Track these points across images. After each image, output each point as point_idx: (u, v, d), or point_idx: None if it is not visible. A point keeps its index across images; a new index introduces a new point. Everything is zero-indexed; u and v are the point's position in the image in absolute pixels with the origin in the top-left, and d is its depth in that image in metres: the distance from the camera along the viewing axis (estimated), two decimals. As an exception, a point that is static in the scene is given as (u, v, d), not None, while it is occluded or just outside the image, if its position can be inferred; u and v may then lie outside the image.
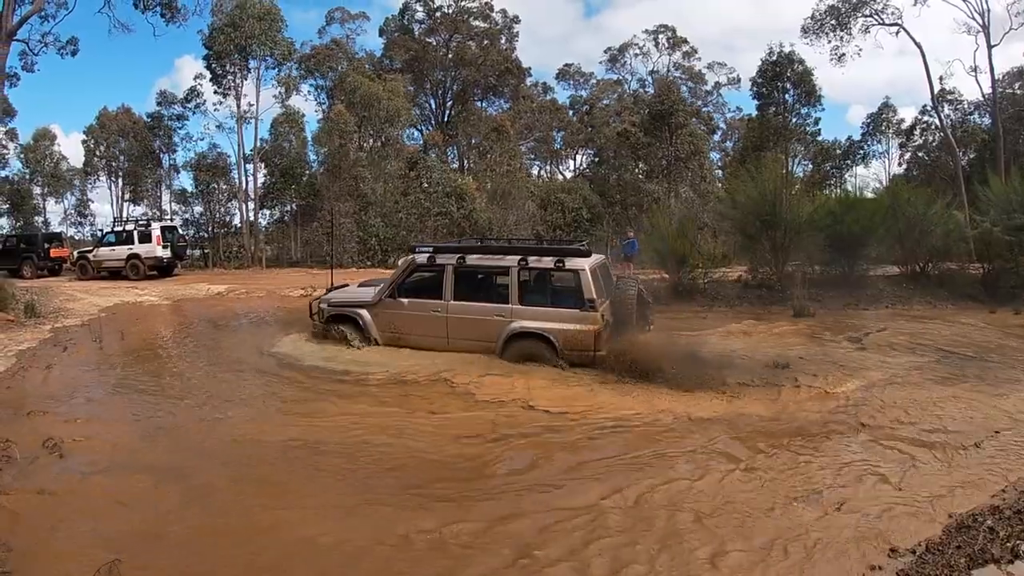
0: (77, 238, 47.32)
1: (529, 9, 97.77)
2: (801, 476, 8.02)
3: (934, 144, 47.86)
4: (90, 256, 32.41)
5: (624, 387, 11.78)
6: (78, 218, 49.91)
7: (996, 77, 39.53)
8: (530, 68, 56.58)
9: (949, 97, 45.57)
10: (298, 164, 42.93)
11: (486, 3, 52.60)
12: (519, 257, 13.34)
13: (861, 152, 50.37)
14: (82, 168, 48.90)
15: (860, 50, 41.22)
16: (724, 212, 26.81)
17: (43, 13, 32.33)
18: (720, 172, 54.43)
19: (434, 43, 53.40)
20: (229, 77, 42.09)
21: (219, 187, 45.31)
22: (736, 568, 6.08)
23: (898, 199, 23.26)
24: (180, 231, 37.03)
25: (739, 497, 7.43)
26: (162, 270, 32.15)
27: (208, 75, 42.60)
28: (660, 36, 59.05)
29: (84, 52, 36.24)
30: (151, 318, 20.22)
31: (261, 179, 44.04)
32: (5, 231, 43.43)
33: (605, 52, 60.99)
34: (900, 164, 50.24)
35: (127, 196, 48.44)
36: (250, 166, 43.57)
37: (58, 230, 43.72)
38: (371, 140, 44.47)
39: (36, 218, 47.84)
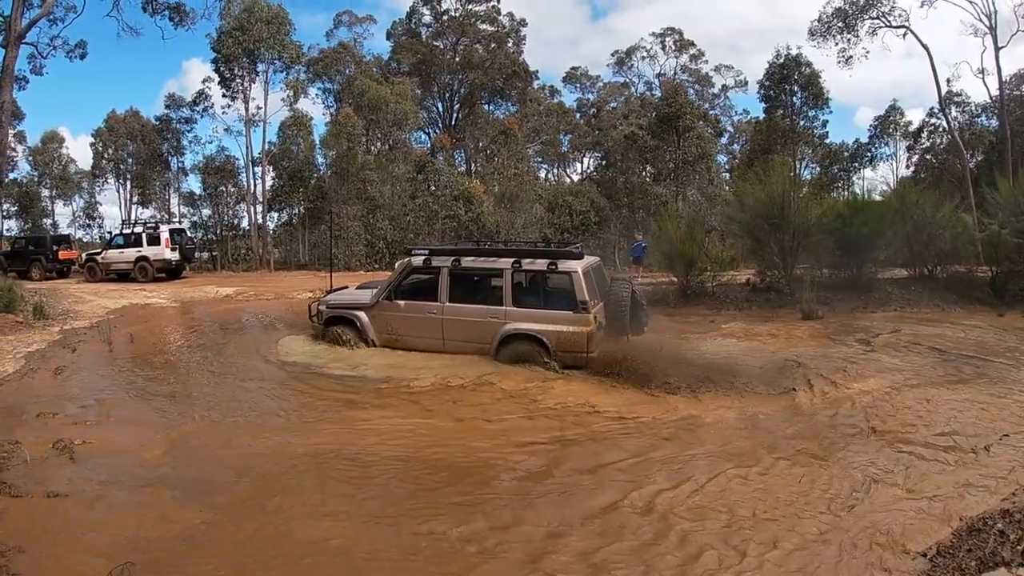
0: (85, 240, 47.43)
1: (536, 11, 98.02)
2: (810, 479, 8.01)
3: (942, 146, 47.67)
4: (99, 258, 32.60)
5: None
6: (86, 220, 50.10)
7: (1003, 79, 39.30)
8: (537, 71, 56.84)
9: (956, 99, 45.39)
10: (306, 167, 43.00)
11: (493, 6, 52.69)
12: (513, 259, 13.51)
13: (869, 155, 50.11)
14: (90, 171, 49.10)
15: (867, 52, 41.03)
16: (732, 215, 26.70)
17: (52, 16, 32.43)
18: (727, 175, 54.51)
19: (441, 46, 53.53)
20: (237, 80, 42.22)
21: (227, 190, 45.40)
22: (741, 572, 6.12)
23: (906, 202, 23.11)
24: (188, 234, 37.24)
25: (747, 501, 7.46)
26: (170, 272, 32.36)
27: (216, 78, 42.81)
28: (667, 39, 59.35)
29: (92, 55, 36.33)
30: (160, 320, 20.27)
31: (269, 182, 44.17)
32: (13, 233, 43.62)
33: (612, 55, 61.34)
34: (908, 167, 50.08)
35: (135, 199, 48.58)
36: (258, 169, 43.75)
37: (66, 232, 44.04)
38: (379, 143, 44.56)
39: (44, 220, 48.03)
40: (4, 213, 46.17)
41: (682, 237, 22.50)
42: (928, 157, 48.94)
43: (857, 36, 40.66)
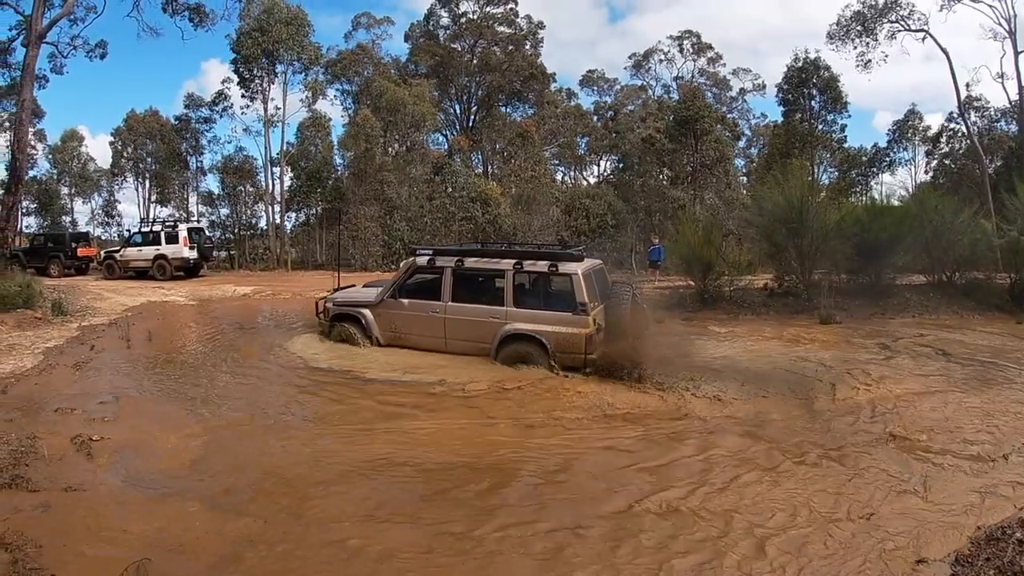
0: (104, 238, 47.77)
1: (553, 14, 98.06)
2: (829, 485, 7.99)
3: (960, 152, 47.39)
4: (117, 256, 32.89)
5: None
6: (105, 218, 50.64)
7: (1023, 83, 39.10)
8: (555, 73, 56.79)
9: (976, 104, 45.17)
10: (324, 168, 43.12)
11: (511, 9, 52.76)
12: (514, 261, 13.61)
13: (887, 159, 49.94)
14: (109, 169, 49.53)
15: (886, 56, 40.90)
16: (750, 219, 26.61)
17: (72, 16, 32.74)
18: (744, 179, 54.33)
19: (459, 48, 53.59)
20: (256, 81, 42.42)
21: (245, 190, 45.64)
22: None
23: (925, 207, 22.97)
24: (207, 233, 37.45)
25: (766, 505, 7.46)
26: (188, 271, 32.56)
27: (235, 79, 43.06)
28: (685, 42, 59.21)
29: (111, 55, 36.72)
30: (179, 318, 20.38)
31: (287, 182, 44.42)
32: (32, 230, 43.89)
33: (629, 58, 61.18)
34: (927, 172, 49.76)
35: (154, 197, 48.90)
36: (276, 169, 43.94)
37: (85, 230, 44.31)
38: (396, 145, 44.63)
39: (64, 218, 48.52)
40: (24, 210, 46.43)
41: (700, 241, 22.37)
42: (947, 162, 48.66)
43: (876, 40, 40.56)
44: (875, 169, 49.78)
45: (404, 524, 6.98)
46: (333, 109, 59.83)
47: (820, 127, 44.97)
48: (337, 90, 49.60)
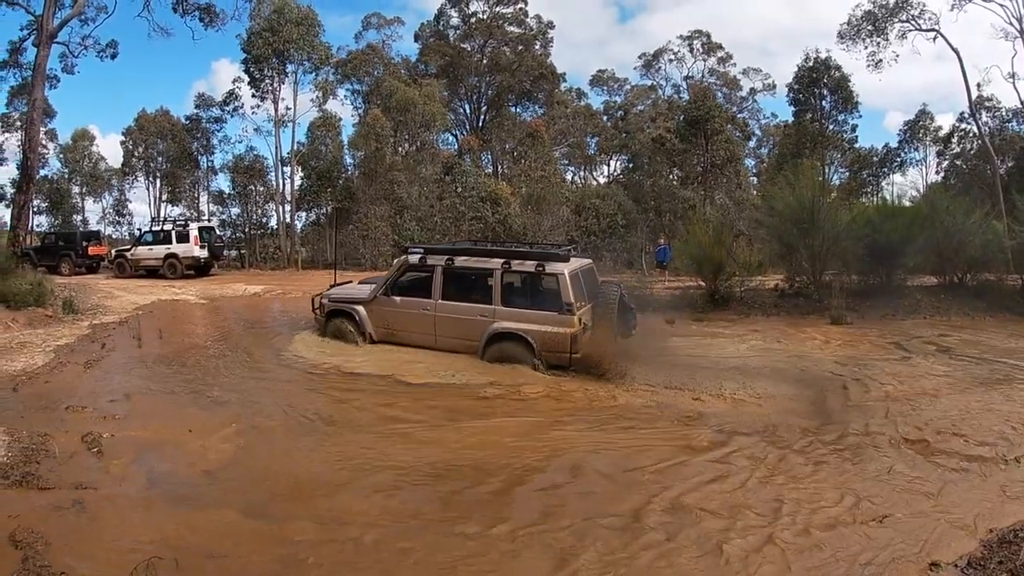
0: (115, 237, 47.86)
1: (563, 14, 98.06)
2: (841, 487, 7.95)
3: (972, 152, 47.14)
4: (128, 255, 32.96)
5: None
6: (116, 217, 50.65)
7: (1035, 84, 38.86)
8: (564, 73, 56.72)
9: (987, 104, 44.87)
10: (334, 168, 43.13)
11: (520, 8, 52.63)
12: (503, 260, 13.78)
13: (898, 160, 49.70)
14: (120, 168, 49.60)
15: (897, 56, 40.63)
16: (761, 219, 26.59)
17: (83, 16, 32.85)
18: (754, 179, 54.20)
19: (469, 48, 53.58)
20: (267, 81, 42.46)
21: (256, 189, 45.66)
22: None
23: (936, 208, 22.85)
24: (218, 232, 37.52)
25: (776, 506, 7.45)
26: (199, 270, 32.66)
27: (246, 79, 43.09)
28: (695, 42, 58.92)
29: (121, 55, 36.70)
30: (190, 317, 20.41)
31: (298, 182, 44.42)
32: (43, 229, 44.01)
33: (639, 58, 60.92)
34: (938, 172, 49.49)
35: (164, 197, 49.02)
36: (287, 169, 44.00)
37: (96, 229, 44.66)
38: (406, 144, 44.66)
39: (75, 217, 48.60)
40: (35, 209, 46.50)
41: (710, 241, 22.34)
42: (958, 163, 48.42)
43: (887, 39, 40.20)
44: (886, 169, 49.42)
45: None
46: (343, 109, 59.73)
47: (831, 127, 44.79)
48: (347, 90, 49.71)
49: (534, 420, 10.48)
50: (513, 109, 55.51)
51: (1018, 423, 10.19)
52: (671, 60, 59.62)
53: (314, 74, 44.18)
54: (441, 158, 45.39)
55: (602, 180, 58.55)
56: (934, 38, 39.25)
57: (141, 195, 55.73)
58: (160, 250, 32.07)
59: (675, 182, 48.32)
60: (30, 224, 35.90)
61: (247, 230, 45.58)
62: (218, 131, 47.30)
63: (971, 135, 46.53)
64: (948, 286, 22.82)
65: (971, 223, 22.39)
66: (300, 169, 44.09)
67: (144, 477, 8.03)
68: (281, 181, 44.46)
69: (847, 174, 48.41)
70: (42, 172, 46.25)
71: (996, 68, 56.70)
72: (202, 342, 16.22)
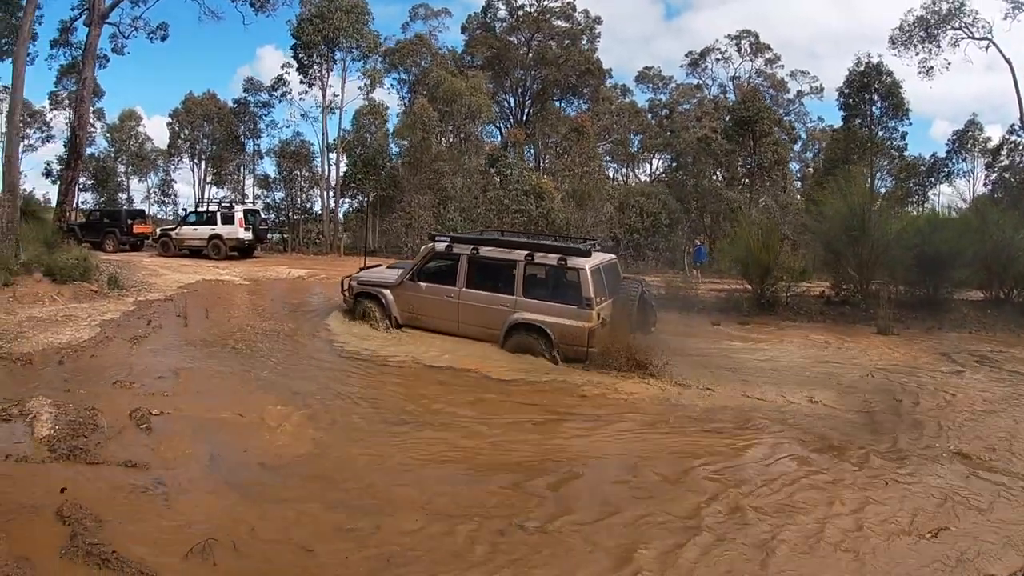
0: (160, 217, 48.27)
1: (609, 9, 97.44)
2: (895, 499, 7.82)
3: (1021, 165, 46.37)
4: (172, 234, 33.07)
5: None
6: (162, 197, 51.34)
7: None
8: (611, 69, 56.54)
9: (1040, 117, 44.12)
10: (379, 156, 43.11)
11: (568, 3, 52.39)
12: (526, 252, 14.11)
13: (945, 170, 48.96)
14: (166, 149, 50.20)
15: (949, 64, 40.06)
16: (810, 225, 26.39)
17: (134, -2, 33.03)
18: (799, 183, 53.64)
19: (515, 41, 53.42)
20: (315, 67, 42.50)
21: (301, 174, 45.79)
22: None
23: (987, 221, 22.42)
24: (262, 215, 37.70)
25: (828, 514, 7.39)
26: (242, 251, 32.64)
27: (295, 64, 43.08)
28: (743, 41, 58.22)
29: (168, 38, 36.82)
30: (235, 297, 20.36)
31: (343, 168, 44.52)
32: (88, 206, 44.40)
33: (686, 56, 60.19)
34: (986, 185, 48.62)
35: (209, 179, 49.45)
36: (333, 155, 44.05)
37: (141, 207, 45.11)
38: (450, 135, 44.60)
39: (120, 195, 49.23)
40: (81, 186, 46.92)
41: (758, 245, 22.13)
42: (1007, 176, 47.57)
43: (939, 47, 39.76)
44: (932, 179, 48.68)
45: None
46: (389, 98, 59.85)
47: (880, 133, 44.13)
48: (393, 79, 49.79)
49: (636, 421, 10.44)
50: (557, 104, 55.29)
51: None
52: (718, 59, 59.04)
53: (362, 62, 44.13)
54: (487, 150, 45.28)
55: (644, 178, 58.25)
56: (987, 47, 38.91)
57: (185, 176, 56.32)
58: (205, 230, 32.12)
59: (719, 183, 47.87)
60: (75, 201, 36.16)
61: (290, 214, 45.75)
62: (265, 115, 47.62)
63: (1021, 148, 45.70)
64: (994, 301, 22.47)
65: (1021, 238, 21.96)
66: (345, 156, 44.15)
67: (196, 458, 7.90)
68: (326, 167, 44.58)
69: (892, 182, 47.71)
70: (89, 150, 46.74)
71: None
72: (248, 323, 16.08)
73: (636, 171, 60.18)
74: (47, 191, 47.06)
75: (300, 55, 42.26)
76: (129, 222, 35.38)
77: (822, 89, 58.34)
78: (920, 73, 40.48)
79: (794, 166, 55.62)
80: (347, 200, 46.41)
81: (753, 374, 13.57)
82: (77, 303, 16.72)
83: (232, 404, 9.76)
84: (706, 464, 8.68)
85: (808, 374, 13.86)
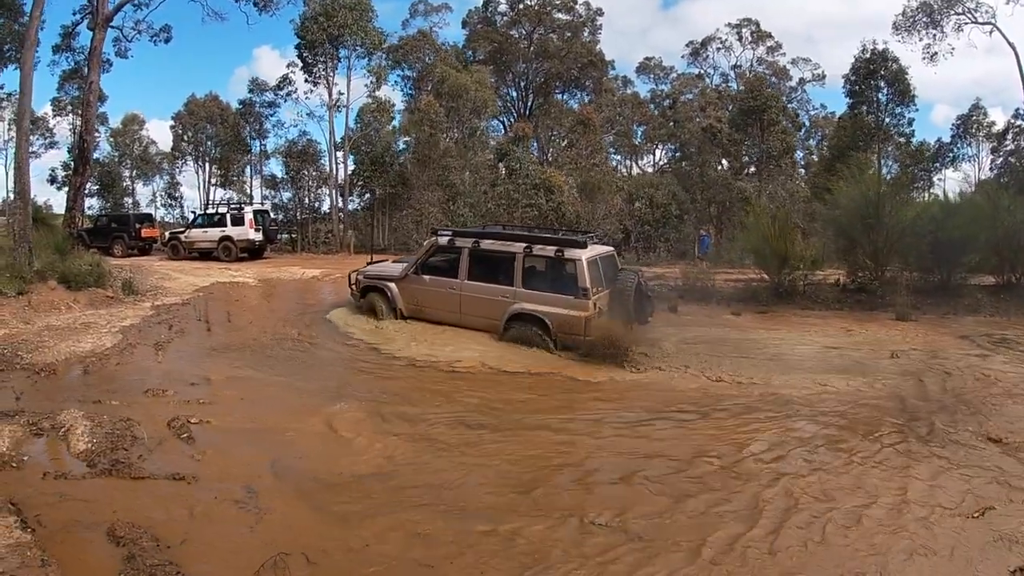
0: (168, 220, 48.18)
1: (606, 1, 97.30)
2: (935, 481, 7.90)
3: (1027, 149, 46.14)
4: (182, 237, 33.01)
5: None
6: (169, 200, 51.17)
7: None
8: (613, 61, 56.32)
9: (1044, 100, 43.97)
10: (387, 153, 42.94)
11: (569, -5, 52.16)
12: (524, 245, 14.59)
13: (951, 155, 48.75)
14: (170, 152, 50.15)
15: (953, 49, 39.87)
16: (822, 213, 26.39)
17: (136, 1, 32.86)
18: (803, 171, 53.46)
19: (516, 35, 53.32)
20: (320, 66, 42.29)
21: (308, 173, 45.63)
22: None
23: (998, 206, 22.47)
24: (272, 215, 37.58)
25: (865, 495, 7.53)
26: (253, 253, 32.57)
27: (299, 64, 42.82)
28: (743, 30, 58.05)
29: (151, 44, 36.65)
30: (254, 299, 20.20)
31: (351, 167, 44.33)
32: (94, 211, 44.30)
33: (687, 46, 60.05)
34: (992, 169, 48.43)
35: (213, 180, 49.38)
36: (340, 154, 43.84)
37: (148, 211, 44.98)
38: (456, 131, 44.44)
39: (126, 199, 49.05)
40: (87, 192, 46.79)
41: (774, 234, 22.12)
42: (1012, 160, 47.35)
43: (943, 32, 39.53)
44: (938, 165, 48.47)
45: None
46: (392, 95, 59.77)
47: (887, 120, 43.90)
48: (397, 76, 49.68)
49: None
50: (560, 97, 55.18)
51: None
52: (719, 48, 58.92)
53: (367, 60, 43.86)
54: (495, 144, 45.22)
55: (648, 169, 58.08)
56: (990, 32, 38.61)
57: (190, 179, 56.31)
58: (215, 233, 32.06)
59: (727, 172, 47.72)
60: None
61: (298, 214, 45.61)
62: (271, 116, 47.32)
63: (1026, 131, 45.51)
64: (1006, 286, 22.56)
65: (1031, 222, 21.93)
66: (352, 154, 43.96)
67: (249, 468, 7.64)
68: (334, 166, 44.39)
69: (896, 168, 47.51)
70: (94, 155, 46.68)
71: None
72: (272, 326, 15.96)
73: (639, 162, 60.05)
74: (48, 197, 47.38)
75: (304, 54, 41.99)
76: (137, 226, 35.31)
77: (823, 76, 58.40)
78: (924, 59, 40.20)
79: (798, 154, 55.52)
80: (355, 198, 46.19)
81: (786, 362, 13.76)
82: (94, 310, 16.59)
83: (274, 411, 9.60)
84: (755, 453, 8.71)
85: (837, 361, 13.98)
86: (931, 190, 44.24)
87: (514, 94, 55.79)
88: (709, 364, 13.36)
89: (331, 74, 42.41)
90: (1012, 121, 46.42)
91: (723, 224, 42.56)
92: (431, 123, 40.15)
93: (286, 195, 46.40)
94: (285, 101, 45.59)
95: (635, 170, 57.50)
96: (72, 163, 36.93)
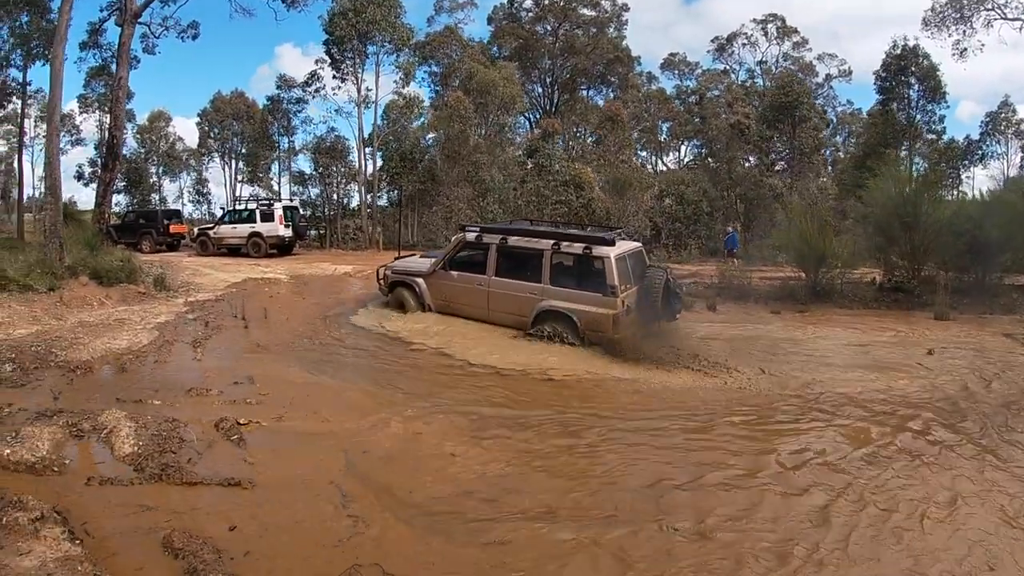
0: (196, 216, 48.38)
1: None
2: (990, 480, 7.92)
3: (1057, 146, 45.67)
4: (211, 233, 33.07)
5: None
6: (197, 197, 51.55)
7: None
8: (639, 57, 56.17)
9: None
10: (416, 149, 42.78)
11: (593, -10, 51.93)
12: (553, 242, 14.52)
13: (979, 152, 48.29)
14: (196, 149, 50.46)
15: (983, 45, 39.48)
16: (855, 210, 26.19)
17: (164, -3, 32.94)
18: (830, 168, 53.09)
19: (541, 31, 53.36)
20: (347, 62, 42.14)
21: (337, 170, 45.59)
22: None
23: (1032, 204, 22.12)
24: (301, 211, 37.63)
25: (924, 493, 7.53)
26: (282, 249, 32.56)
27: (328, 60, 42.64)
28: (769, 25, 57.84)
29: (189, 39, 36.67)
30: (288, 296, 19.81)
31: (379, 163, 44.24)
32: (121, 207, 44.46)
33: (712, 41, 59.99)
34: (1022, 167, 47.99)
35: (240, 177, 49.70)
36: (369, 150, 43.72)
37: (176, 207, 45.17)
38: (483, 128, 44.25)
39: (153, 196, 49.29)
40: (115, 188, 47.08)
41: (813, 232, 21.92)
42: (1044, 157, 46.89)
43: (972, 28, 39.17)
44: (966, 162, 48.01)
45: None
46: (419, 91, 59.82)
47: (918, 117, 43.44)
48: (424, 72, 49.54)
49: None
50: (585, 93, 55.09)
51: None
52: (744, 44, 58.70)
53: (395, 55, 43.62)
54: (525, 141, 45.19)
55: (672, 165, 57.86)
56: (1020, 28, 38.24)
57: (216, 176, 56.34)
58: (244, 229, 32.08)
59: (754, 169, 47.38)
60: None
61: (326, 210, 45.51)
62: (299, 112, 47.15)
63: (1057, 128, 45.06)
64: (1042, 285, 22.33)
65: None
66: (381, 150, 43.84)
67: (304, 473, 7.29)
68: (363, 162, 44.23)
69: (925, 165, 47.06)
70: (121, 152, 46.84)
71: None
72: (311, 322, 15.80)
73: (664, 158, 59.76)
74: (73, 194, 47.40)
75: (332, 50, 41.89)
76: (165, 222, 35.50)
77: (850, 72, 58.05)
78: (954, 55, 39.92)
79: (825, 151, 55.17)
80: (383, 194, 46.07)
81: (835, 362, 13.69)
82: (127, 306, 16.37)
83: (328, 412, 9.26)
84: (816, 456, 8.56)
85: (886, 360, 13.93)
86: (959, 188, 43.93)
87: (539, 90, 55.89)
88: (773, 364, 13.23)
89: (359, 70, 42.26)
90: (1044, 118, 45.97)
91: (751, 221, 42.25)
92: (461, 119, 39.98)
93: (314, 191, 46.46)
94: (313, 98, 45.47)
95: (660, 166, 57.28)
96: (100, 159, 37.03)
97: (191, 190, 51.53)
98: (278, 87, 46.53)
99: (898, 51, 41.87)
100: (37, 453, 7.35)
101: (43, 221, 20.34)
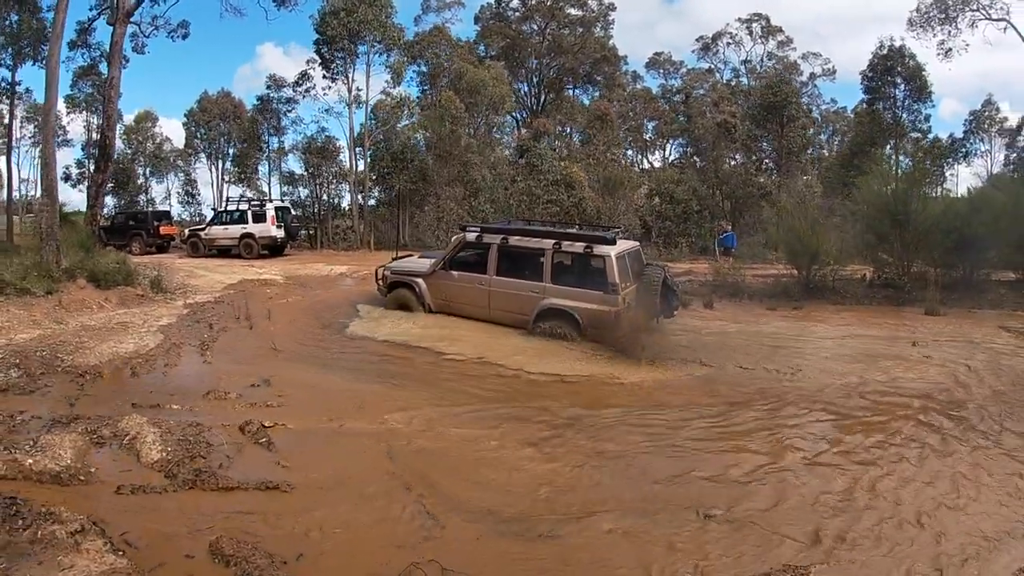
0: (184, 218, 48.14)
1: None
2: (998, 471, 8.05)
3: (1041, 144, 46.11)
4: (202, 234, 32.91)
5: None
6: (186, 198, 51.22)
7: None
8: (626, 56, 56.50)
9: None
10: (407, 149, 42.72)
11: (580, -10, 52.05)
12: (554, 241, 14.73)
13: (963, 150, 48.73)
14: (183, 149, 50.13)
15: (967, 46, 39.87)
16: (849, 208, 26.45)
17: (154, -4, 32.86)
18: (815, 166, 53.39)
19: (528, 31, 53.48)
20: (338, 62, 42.04)
21: (328, 170, 45.46)
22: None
23: (1020, 201, 22.38)
24: (293, 212, 37.47)
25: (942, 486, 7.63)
26: (274, 250, 32.47)
27: (318, 60, 42.53)
28: (754, 25, 58.26)
29: (168, 41, 36.73)
30: (287, 297, 19.69)
31: (369, 162, 44.11)
32: (108, 209, 44.23)
33: (697, 40, 60.43)
34: (1006, 165, 48.38)
35: (226, 178, 49.51)
36: (359, 150, 43.65)
37: (166, 208, 45.10)
38: (473, 127, 44.24)
39: (141, 197, 49.01)
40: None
41: (806, 230, 22.27)
42: (1024, 156, 47.32)
43: (957, 28, 39.57)
44: (950, 160, 48.45)
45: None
46: (407, 91, 59.70)
47: (904, 116, 43.77)
48: (413, 72, 49.41)
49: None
50: (572, 92, 55.30)
51: None
52: (729, 43, 59.06)
53: (386, 55, 43.55)
54: (515, 140, 45.25)
55: (657, 164, 58.01)
56: (1004, 28, 38.64)
57: (203, 176, 56.13)
58: (236, 230, 31.97)
59: (739, 168, 47.64)
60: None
61: (316, 210, 45.42)
62: (289, 112, 47.01)
63: (1040, 126, 45.47)
64: (1026, 280, 22.76)
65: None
66: (371, 150, 43.74)
67: (339, 474, 7.30)
68: (354, 162, 44.16)
69: (909, 163, 47.36)
70: (110, 153, 46.64)
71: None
72: (317, 324, 15.83)
73: (649, 157, 59.93)
74: (61, 197, 46.75)
75: (323, 50, 41.77)
76: (155, 224, 35.36)
77: (834, 71, 58.44)
78: (939, 55, 40.31)
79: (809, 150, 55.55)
80: (374, 195, 46.05)
81: (839, 357, 13.94)
82: (127, 309, 16.31)
83: (347, 413, 9.25)
84: (831, 447, 8.79)
85: (884, 354, 14.21)
86: (944, 185, 44.34)
87: (526, 89, 55.91)
88: (778, 361, 13.39)
89: (350, 70, 42.21)
90: (1025, 117, 46.34)
91: (738, 219, 42.44)
92: (452, 118, 40.00)
93: (304, 191, 46.37)
94: (304, 98, 45.39)
95: (645, 165, 57.46)
96: (89, 160, 36.86)
97: (179, 191, 51.31)
98: (268, 87, 46.43)
99: (884, 51, 42.25)
100: (61, 462, 7.18)
101: (36, 223, 20.21)
